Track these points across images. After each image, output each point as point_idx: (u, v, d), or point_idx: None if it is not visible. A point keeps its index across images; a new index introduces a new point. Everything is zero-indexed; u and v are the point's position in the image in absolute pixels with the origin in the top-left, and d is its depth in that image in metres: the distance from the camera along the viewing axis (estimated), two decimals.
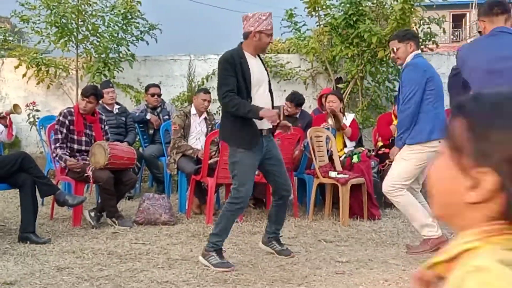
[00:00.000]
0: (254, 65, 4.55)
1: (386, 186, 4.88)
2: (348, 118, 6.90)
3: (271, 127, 4.61)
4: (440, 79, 4.85)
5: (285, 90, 8.63)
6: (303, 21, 9.05)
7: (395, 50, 4.80)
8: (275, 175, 4.65)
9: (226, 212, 4.47)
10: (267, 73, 4.74)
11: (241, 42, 4.58)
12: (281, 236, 4.93)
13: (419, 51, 4.94)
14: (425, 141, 4.67)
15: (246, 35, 4.51)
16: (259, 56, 4.68)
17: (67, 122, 5.92)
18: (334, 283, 4.05)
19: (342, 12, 8.31)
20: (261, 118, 4.35)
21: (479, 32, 4.23)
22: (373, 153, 7.05)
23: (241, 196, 4.42)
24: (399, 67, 4.90)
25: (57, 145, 5.87)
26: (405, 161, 4.77)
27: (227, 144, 4.68)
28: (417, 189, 5.02)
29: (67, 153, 5.86)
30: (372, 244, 5.15)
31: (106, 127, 6.34)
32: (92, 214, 5.83)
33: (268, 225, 4.84)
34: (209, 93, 6.89)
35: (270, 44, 4.73)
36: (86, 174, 5.72)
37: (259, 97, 4.53)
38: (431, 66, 4.90)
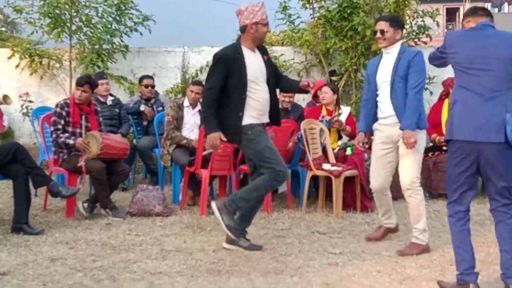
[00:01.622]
0: (253, 60, 4.55)
1: (408, 182, 4.63)
2: (344, 112, 6.90)
3: (268, 121, 4.68)
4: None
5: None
6: (297, 13, 9.06)
7: (384, 31, 4.67)
8: None
9: (265, 179, 4.48)
10: (271, 68, 4.70)
11: (239, 37, 4.58)
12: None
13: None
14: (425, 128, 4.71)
15: (243, 29, 4.53)
16: (261, 50, 4.66)
17: (64, 113, 5.90)
18: (327, 274, 4.07)
19: (336, 5, 8.31)
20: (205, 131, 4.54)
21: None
22: (367, 146, 7.06)
23: (283, 175, 4.53)
24: (382, 49, 4.82)
25: (59, 133, 5.85)
26: (418, 153, 4.65)
27: (235, 139, 4.63)
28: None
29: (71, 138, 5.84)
30: (364, 236, 5.17)
31: (101, 118, 6.32)
32: (86, 205, 5.84)
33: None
34: (199, 84, 6.81)
35: (268, 33, 4.79)
36: (79, 165, 5.71)
37: (257, 92, 4.53)
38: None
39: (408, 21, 8.60)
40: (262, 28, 4.52)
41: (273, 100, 4.71)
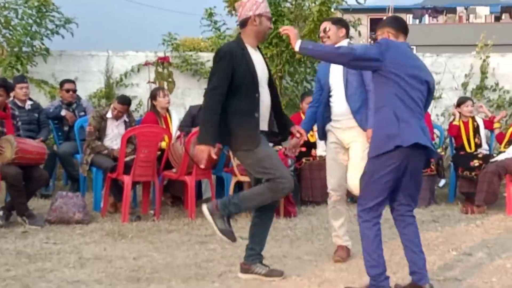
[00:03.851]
0: (256, 58, 4.09)
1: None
2: None
3: (266, 129, 4.17)
4: None
5: (205, 88, 8.60)
6: (223, 20, 9.09)
7: (326, 29, 4.68)
8: None
9: (264, 188, 3.97)
10: (269, 69, 4.24)
11: (239, 34, 4.18)
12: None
13: (348, 40, 4.86)
14: None
15: (244, 22, 4.07)
16: (259, 49, 4.23)
17: None
18: (248, 280, 4.09)
19: None
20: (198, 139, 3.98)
21: (374, 39, 4.33)
22: (294, 152, 7.15)
23: (290, 183, 4.03)
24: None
25: None
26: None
27: (234, 147, 4.06)
28: None
29: None
30: (287, 241, 5.23)
31: (19, 123, 6.12)
32: (1, 212, 5.62)
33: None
34: (125, 104, 6.67)
35: (270, 29, 4.23)
36: None
37: (262, 94, 4.06)
38: None
39: None
40: (266, 21, 4.06)
41: (276, 106, 4.23)
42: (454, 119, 7.34)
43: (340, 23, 4.75)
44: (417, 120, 3.64)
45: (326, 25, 4.73)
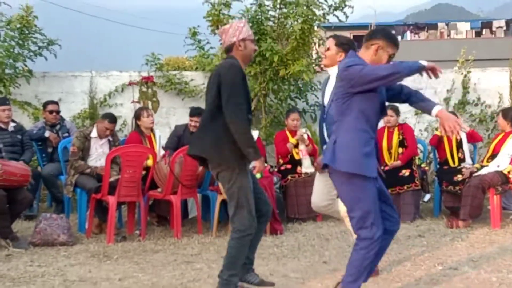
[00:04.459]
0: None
1: None
2: (253, 135, 6.96)
3: None
4: None
5: (189, 107, 8.61)
6: (207, 39, 9.12)
7: (328, 48, 4.67)
8: (256, 192, 4.17)
9: (236, 245, 4.02)
10: None
11: (226, 58, 4.18)
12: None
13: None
14: None
15: (230, 49, 4.14)
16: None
17: None
18: None
19: None
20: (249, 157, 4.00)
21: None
22: (276, 169, 7.18)
23: (251, 225, 4.02)
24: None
25: None
26: None
27: (221, 166, 4.03)
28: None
29: None
30: (273, 258, 5.22)
31: (0, 145, 6.07)
32: None
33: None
34: (115, 122, 6.76)
35: (255, 51, 4.28)
36: None
37: None
38: None
39: (314, 48, 8.85)
40: (250, 44, 4.14)
41: None
42: (439, 131, 7.44)
43: (343, 46, 4.59)
44: None
45: (329, 44, 4.67)
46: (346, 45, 4.61)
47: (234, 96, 3.94)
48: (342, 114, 3.62)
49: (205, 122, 4.13)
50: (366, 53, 3.72)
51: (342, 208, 4.60)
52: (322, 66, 4.76)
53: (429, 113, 3.68)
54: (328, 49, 4.67)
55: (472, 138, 7.42)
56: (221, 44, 4.27)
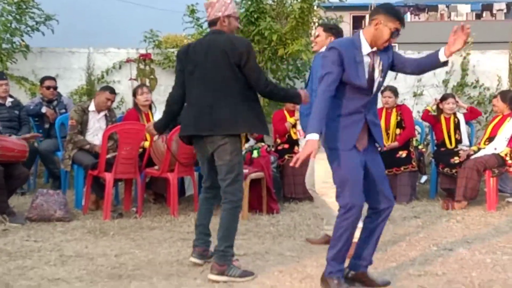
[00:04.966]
0: None
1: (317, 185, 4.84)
2: None
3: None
4: None
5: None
6: (205, 17, 9.03)
7: (317, 35, 4.95)
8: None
9: (228, 216, 4.06)
10: None
11: (212, 32, 4.21)
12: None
13: None
14: None
15: (214, 22, 4.16)
16: None
17: None
18: None
19: (243, 9, 8.38)
20: (299, 102, 4.26)
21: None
22: (273, 149, 7.18)
23: (242, 196, 4.13)
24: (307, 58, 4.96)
25: None
26: None
27: (225, 139, 4.01)
28: None
29: None
30: (269, 237, 5.24)
31: None
32: None
33: None
34: (115, 93, 6.78)
35: (237, 28, 4.37)
36: None
37: None
38: None
39: (313, 28, 8.80)
40: (234, 21, 4.19)
41: None
42: (431, 107, 7.50)
43: (330, 31, 4.93)
44: None
45: (318, 31, 4.99)
46: (333, 29, 4.96)
47: (260, 72, 4.09)
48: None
49: (219, 98, 4.03)
50: (368, 29, 3.71)
51: (317, 185, 4.84)
52: (314, 50, 4.99)
53: (438, 60, 3.75)
54: (318, 35, 4.95)
55: (472, 113, 7.47)
56: (206, 17, 4.25)
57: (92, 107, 6.59)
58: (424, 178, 7.81)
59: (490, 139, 6.81)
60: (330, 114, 3.62)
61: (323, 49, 4.82)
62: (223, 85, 4.02)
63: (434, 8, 28.31)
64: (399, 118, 7.19)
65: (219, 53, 4.02)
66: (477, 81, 8.91)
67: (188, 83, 4.18)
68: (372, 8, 3.91)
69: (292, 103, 4.27)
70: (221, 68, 4.02)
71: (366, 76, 3.65)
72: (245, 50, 4.01)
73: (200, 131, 4.09)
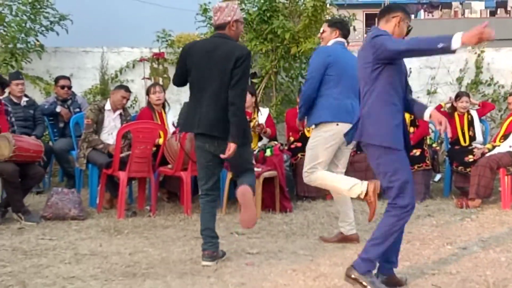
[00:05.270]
0: None
1: (303, 174, 4.98)
2: (263, 113, 6.98)
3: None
4: (347, 66, 4.81)
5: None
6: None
7: (323, 31, 5.05)
8: None
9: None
10: None
11: (219, 35, 4.33)
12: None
13: (343, 40, 5.02)
14: (319, 123, 4.85)
15: (223, 26, 4.32)
16: None
17: None
18: (243, 274, 4.10)
19: (256, 8, 8.37)
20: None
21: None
22: (286, 147, 7.18)
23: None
24: None
25: None
26: (312, 147, 4.91)
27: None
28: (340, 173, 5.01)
29: None
30: (282, 236, 5.24)
31: (13, 119, 6.10)
32: None
33: None
34: (130, 91, 6.83)
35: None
36: None
37: None
38: (338, 53, 4.90)
39: None
40: (241, 26, 4.43)
41: None
42: (445, 104, 7.53)
43: (335, 25, 5.06)
44: None
45: (324, 27, 5.10)
46: (338, 23, 5.10)
47: (246, 83, 4.27)
48: (370, 84, 3.62)
49: (221, 100, 4.20)
50: (387, 26, 3.71)
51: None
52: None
53: (422, 116, 3.70)
54: (324, 31, 5.06)
55: (485, 108, 7.45)
56: (214, 21, 4.40)
57: (108, 106, 6.62)
58: (438, 177, 7.77)
59: (505, 136, 6.77)
60: (387, 109, 3.61)
61: (330, 43, 4.99)
62: (217, 90, 4.20)
63: (448, 5, 28.07)
64: (412, 116, 7.16)
65: (225, 55, 4.20)
66: (492, 79, 8.84)
67: (189, 82, 4.42)
68: (387, 5, 3.92)
69: (232, 142, 4.14)
70: (227, 71, 4.17)
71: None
72: (243, 56, 4.19)
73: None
